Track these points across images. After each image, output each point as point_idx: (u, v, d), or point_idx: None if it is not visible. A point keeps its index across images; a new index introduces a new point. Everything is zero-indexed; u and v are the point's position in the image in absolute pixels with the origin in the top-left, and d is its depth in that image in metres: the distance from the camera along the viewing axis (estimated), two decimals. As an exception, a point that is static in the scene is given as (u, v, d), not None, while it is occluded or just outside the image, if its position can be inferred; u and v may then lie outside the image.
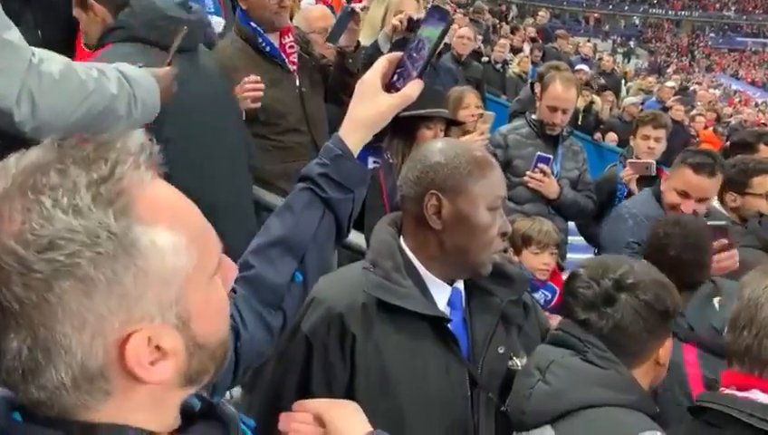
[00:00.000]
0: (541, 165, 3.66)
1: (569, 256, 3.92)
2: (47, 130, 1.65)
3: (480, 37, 9.42)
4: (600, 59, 13.13)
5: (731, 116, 15.42)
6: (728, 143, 5.42)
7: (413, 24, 3.35)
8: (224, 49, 3.12)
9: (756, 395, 1.43)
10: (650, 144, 3.83)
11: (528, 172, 3.67)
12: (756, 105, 24.69)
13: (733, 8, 43.58)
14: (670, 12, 43.99)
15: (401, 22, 3.40)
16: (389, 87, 1.26)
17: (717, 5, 43.81)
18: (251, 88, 2.86)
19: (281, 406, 1.27)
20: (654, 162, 3.73)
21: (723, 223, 2.66)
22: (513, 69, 9.75)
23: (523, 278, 1.69)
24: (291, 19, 3.51)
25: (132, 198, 0.70)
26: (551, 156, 3.69)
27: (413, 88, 1.24)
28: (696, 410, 1.52)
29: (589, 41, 17.04)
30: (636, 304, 1.50)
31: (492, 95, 8.30)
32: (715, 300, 2.14)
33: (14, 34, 1.62)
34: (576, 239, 4.33)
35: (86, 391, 0.70)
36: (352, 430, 1.14)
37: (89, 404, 0.71)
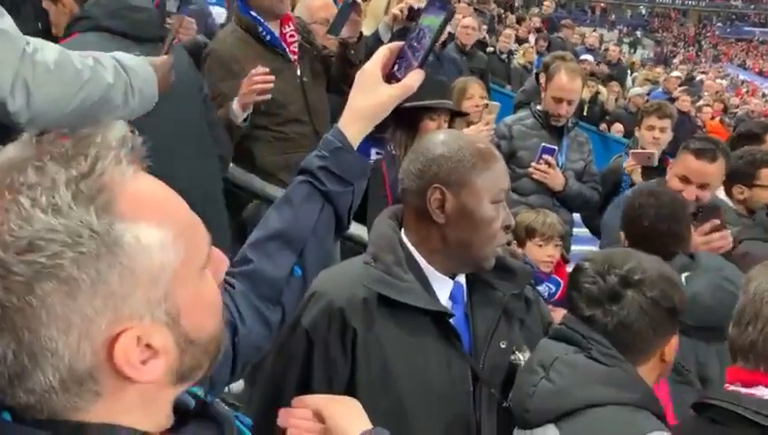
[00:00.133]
0: (546, 156, 3.64)
1: (574, 247, 3.91)
2: (43, 120, 1.64)
3: (485, 27, 9.38)
4: (606, 49, 13.05)
5: (738, 106, 15.33)
6: (736, 134, 5.39)
7: (414, 14, 3.32)
8: (223, 39, 3.10)
9: (762, 392, 1.41)
10: (655, 134, 3.82)
11: (533, 164, 3.65)
12: (764, 95, 24.53)
13: (740, -2, 43.36)
14: (677, 1, 43.74)
15: (402, 11, 3.37)
16: (390, 77, 1.24)
17: (725, -5, 43.60)
18: (260, 80, 2.82)
19: (281, 401, 1.26)
20: (656, 152, 3.71)
21: (715, 204, 2.66)
22: (519, 60, 9.70)
23: (526, 272, 1.67)
24: (292, 10, 3.49)
25: (114, 194, 0.68)
26: (555, 147, 3.68)
27: (414, 78, 1.22)
28: (700, 407, 1.49)
29: (594, 31, 16.95)
30: (642, 301, 1.46)
31: (496, 86, 8.27)
32: (684, 275, 2.13)
33: (7, 22, 1.60)
34: (581, 231, 4.32)
35: (75, 393, 0.69)
36: (351, 427, 1.13)
37: (78, 406, 0.70)
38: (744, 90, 26.01)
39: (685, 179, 2.86)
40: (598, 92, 9.70)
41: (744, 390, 1.42)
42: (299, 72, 3.12)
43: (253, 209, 3.18)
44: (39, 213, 0.64)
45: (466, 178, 1.51)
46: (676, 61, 29.44)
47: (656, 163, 3.66)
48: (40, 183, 0.65)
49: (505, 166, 1.62)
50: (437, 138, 1.59)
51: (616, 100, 10.22)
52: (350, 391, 1.45)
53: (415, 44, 1.22)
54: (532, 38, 11.50)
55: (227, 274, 1.18)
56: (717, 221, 2.54)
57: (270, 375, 1.57)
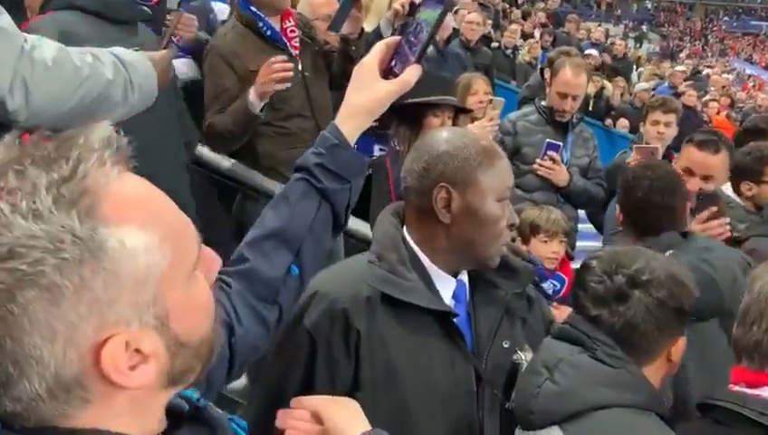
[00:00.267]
0: (550, 152, 3.62)
1: (579, 243, 3.89)
2: (42, 118, 1.62)
3: (489, 22, 9.33)
4: (612, 44, 12.99)
5: (744, 101, 15.24)
6: (741, 129, 5.35)
7: (415, 9, 3.30)
8: (223, 35, 3.09)
9: (767, 393, 1.38)
10: (660, 129, 3.79)
11: (537, 160, 3.63)
12: (770, 90, 24.39)
13: (747, -9, 43.09)
14: (683, -5, 43.54)
15: (403, 6, 3.35)
16: (387, 72, 1.22)
17: (731, -12, 43.34)
18: (279, 68, 2.80)
19: (282, 402, 1.24)
20: (659, 147, 3.68)
21: (713, 190, 2.66)
22: (524, 56, 9.65)
23: (528, 270, 1.65)
24: (295, 6, 3.47)
25: (97, 197, 0.66)
26: (560, 143, 3.66)
27: (411, 73, 1.20)
28: (704, 408, 1.47)
29: (600, 25, 16.87)
30: (649, 302, 1.43)
31: (501, 81, 8.23)
32: (668, 253, 2.11)
33: (5, 20, 1.58)
34: (586, 227, 4.29)
35: (63, 400, 0.68)
36: (350, 428, 1.12)
37: (67, 413, 0.69)
38: (751, 84, 25.84)
39: (688, 172, 2.86)
40: (603, 87, 9.66)
41: (749, 391, 1.40)
42: (300, 67, 3.09)
43: (239, 205, 3.19)
44: (19, 219, 0.63)
45: (473, 176, 1.49)
46: (682, 55, 29.30)
47: (660, 158, 3.63)
48: (20, 188, 0.64)
49: (509, 163, 1.60)
50: (441, 135, 1.57)
51: (621, 95, 10.17)
52: (354, 391, 1.44)
53: (412, 39, 1.21)
54: (537, 33, 11.45)
55: (224, 273, 1.17)
56: (715, 208, 2.54)
57: (271, 376, 1.56)
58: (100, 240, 0.65)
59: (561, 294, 2.82)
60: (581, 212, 4.03)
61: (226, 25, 3.18)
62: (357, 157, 1.25)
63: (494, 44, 9.04)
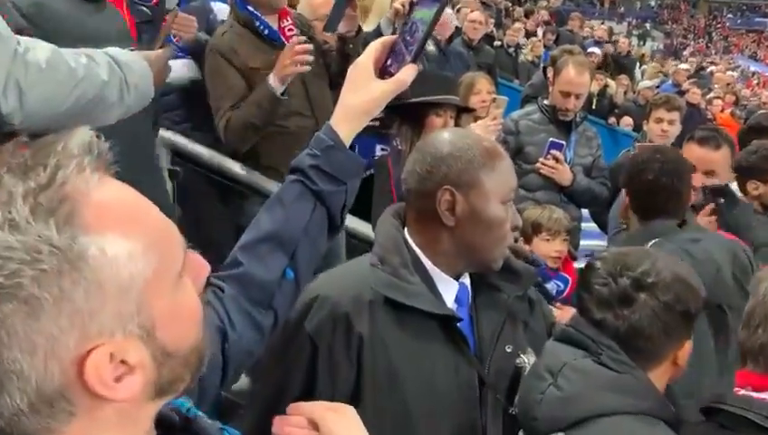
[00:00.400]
0: (553, 151, 3.60)
1: (582, 242, 3.87)
2: (37, 121, 1.60)
3: (492, 21, 9.31)
4: (616, 41, 12.96)
5: (749, 98, 15.18)
6: (745, 127, 5.33)
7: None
8: (221, 34, 3.08)
9: None
10: (664, 127, 3.79)
11: (540, 159, 3.61)
12: (775, 87, 24.30)
13: (751, -12, 42.96)
14: (686, -8, 43.43)
15: (403, 5, 3.34)
16: (383, 72, 1.21)
17: (735, -15, 43.21)
18: (301, 50, 2.78)
19: (282, 408, 1.22)
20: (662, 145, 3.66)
21: (720, 183, 2.67)
22: (526, 55, 9.63)
23: (530, 272, 1.63)
24: (295, 7, 3.46)
25: (77, 204, 0.63)
26: (563, 142, 3.63)
27: (407, 73, 1.18)
28: (709, 411, 1.44)
29: (603, 23, 16.84)
30: (655, 306, 1.40)
31: (504, 80, 8.21)
32: (656, 240, 2.13)
33: None
34: (590, 226, 4.28)
35: (47, 414, 0.65)
36: None
37: (51, 427, 0.66)
38: (756, 81, 25.79)
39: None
40: (606, 86, 9.63)
41: (755, 394, 1.38)
42: (299, 65, 3.08)
43: (238, 205, 3.17)
44: None
45: (477, 178, 1.47)
46: (686, 53, 29.24)
47: None
48: None
49: (513, 164, 1.58)
50: (443, 137, 1.55)
51: (625, 93, 10.15)
52: (356, 395, 1.42)
53: (408, 38, 1.19)
54: (540, 31, 11.43)
55: (217, 277, 1.15)
56: (713, 205, 2.58)
57: (271, 381, 1.54)
58: (79, 249, 0.63)
59: (564, 294, 2.80)
60: (585, 211, 4.01)
61: (224, 25, 3.18)
62: (352, 158, 1.23)
63: (497, 43, 9.04)
